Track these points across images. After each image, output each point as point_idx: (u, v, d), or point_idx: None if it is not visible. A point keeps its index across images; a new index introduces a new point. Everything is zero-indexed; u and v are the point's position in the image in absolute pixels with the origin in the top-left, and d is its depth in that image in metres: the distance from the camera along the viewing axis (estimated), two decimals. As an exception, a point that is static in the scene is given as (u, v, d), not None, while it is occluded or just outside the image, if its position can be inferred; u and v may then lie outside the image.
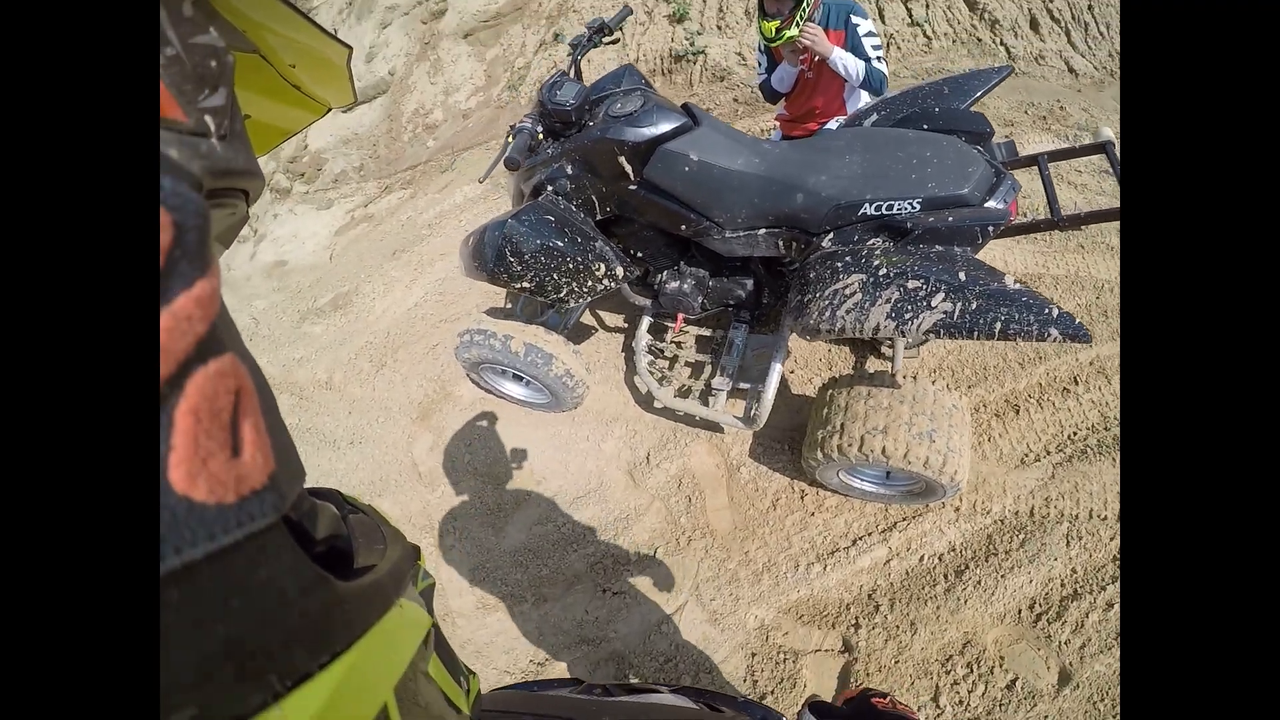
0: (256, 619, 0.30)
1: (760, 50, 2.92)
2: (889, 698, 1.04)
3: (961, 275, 1.70)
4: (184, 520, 0.26)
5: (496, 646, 2.41)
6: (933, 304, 1.69)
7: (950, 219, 1.82)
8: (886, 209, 1.89)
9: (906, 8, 4.80)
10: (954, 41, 4.64)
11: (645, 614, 2.37)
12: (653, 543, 2.54)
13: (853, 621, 2.26)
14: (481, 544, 2.65)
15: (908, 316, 1.72)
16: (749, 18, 4.98)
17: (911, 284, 1.74)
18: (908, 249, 1.86)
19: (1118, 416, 2.58)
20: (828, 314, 1.85)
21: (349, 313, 4.27)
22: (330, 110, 0.75)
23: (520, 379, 2.79)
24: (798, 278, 2.07)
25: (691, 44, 5.00)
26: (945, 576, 2.30)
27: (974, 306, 1.65)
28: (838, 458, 2.12)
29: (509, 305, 3.37)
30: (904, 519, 2.42)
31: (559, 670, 2.34)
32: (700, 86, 4.92)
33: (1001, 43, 4.54)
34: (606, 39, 2.56)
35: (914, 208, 1.87)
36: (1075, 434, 2.56)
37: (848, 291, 1.83)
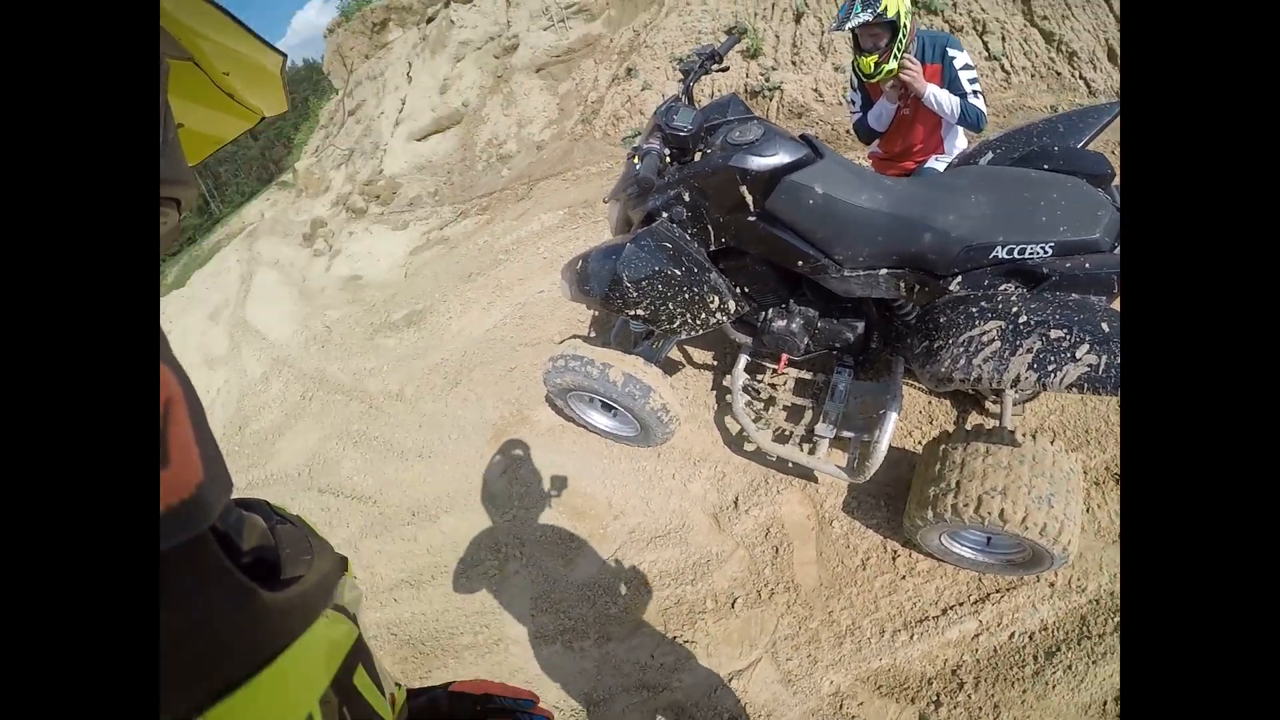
0: (182, 629, 0.30)
1: (853, 88, 2.87)
2: None
3: (1105, 327, 1.62)
4: None
5: (549, 680, 2.33)
6: (1077, 356, 1.61)
7: (1086, 265, 1.75)
8: (1019, 252, 1.82)
9: (983, 40, 4.74)
10: (1033, 76, 4.57)
11: (714, 666, 2.25)
12: (732, 592, 2.42)
13: (934, 698, 2.12)
14: (548, 573, 2.58)
15: (1050, 369, 1.64)
16: (823, 54, 4.99)
17: (1054, 334, 1.66)
18: (1045, 296, 1.78)
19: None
20: (962, 361, 1.78)
21: (423, 329, 4.32)
22: (263, 119, 0.73)
23: (609, 409, 2.73)
24: (924, 322, 1.99)
25: (767, 79, 5.03)
26: (1035, 657, 2.15)
27: (1121, 361, 1.57)
28: (950, 518, 2.00)
29: (593, 334, 3.35)
30: (997, 590, 2.29)
31: (613, 715, 2.23)
32: (778, 123, 4.94)
33: (1080, 76, 4.45)
34: (716, 66, 2.54)
35: (1046, 252, 1.79)
36: (1182, 513, 2.42)
37: (985, 339, 1.75)
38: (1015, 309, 1.75)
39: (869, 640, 2.25)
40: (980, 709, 2.08)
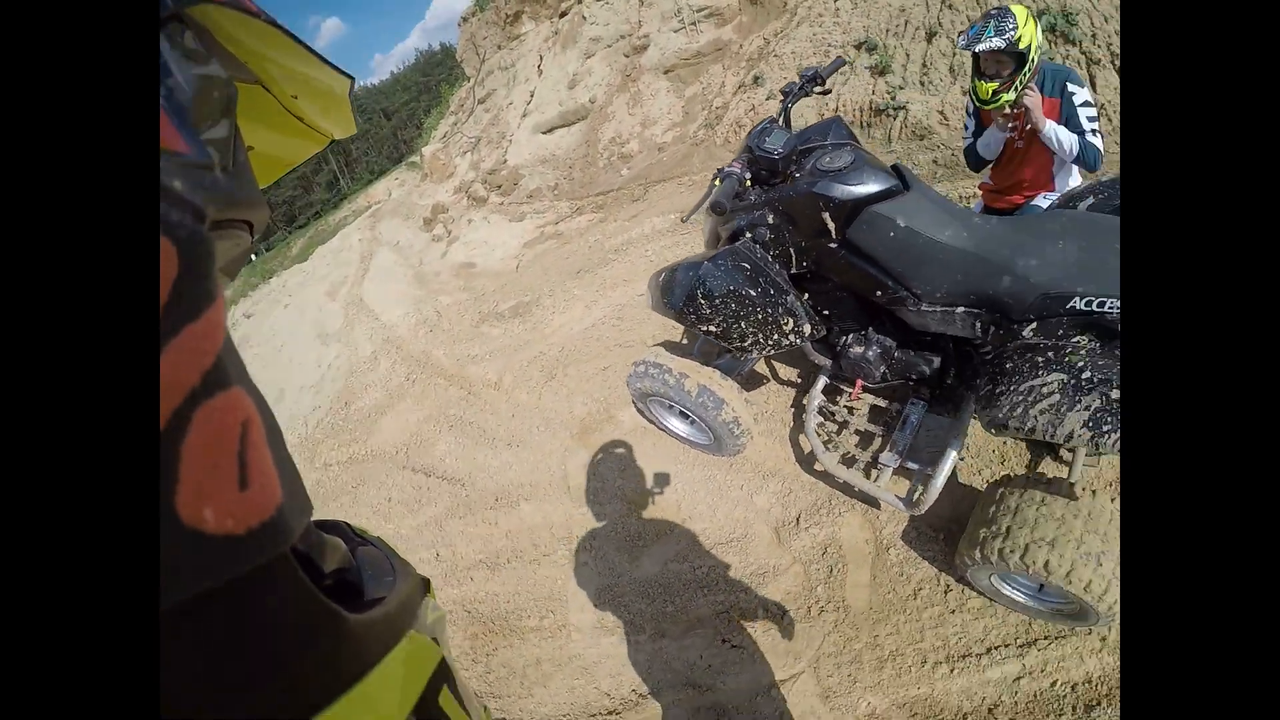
0: (266, 652, 0.30)
1: (969, 113, 2.83)
2: None
3: None
4: (192, 553, 0.26)
5: (604, 668, 2.48)
6: None
7: None
8: (1098, 306, 1.75)
9: (1120, 74, 4.42)
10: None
11: (758, 674, 2.35)
12: (783, 605, 2.51)
13: (966, 732, 2.15)
14: (614, 567, 2.75)
15: (1106, 429, 1.61)
16: (953, 76, 4.89)
17: (1116, 393, 1.62)
18: (1115, 354, 1.73)
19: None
20: (1019, 410, 1.78)
21: (527, 321, 4.61)
22: (332, 141, 0.73)
23: (686, 417, 2.87)
24: (991, 366, 1.99)
25: (893, 98, 4.96)
26: (1073, 709, 2.12)
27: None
28: (996, 562, 2.01)
29: (685, 341, 3.51)
30: (1046, 637, 2.28)
31: (653, 709, 2.36)
32: (899, 144, 4.86)
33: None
34: (818, 89, 2.55)
35: None
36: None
37: (1045, 390, 1.74)
38: (1082, 364, 1.72)
39: (910, 668, 2.30)
40: (1012, 751, 2.09)
